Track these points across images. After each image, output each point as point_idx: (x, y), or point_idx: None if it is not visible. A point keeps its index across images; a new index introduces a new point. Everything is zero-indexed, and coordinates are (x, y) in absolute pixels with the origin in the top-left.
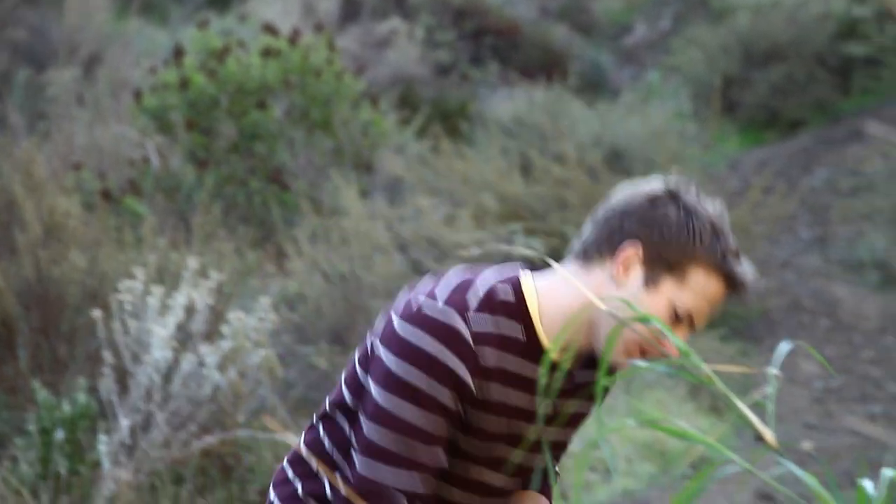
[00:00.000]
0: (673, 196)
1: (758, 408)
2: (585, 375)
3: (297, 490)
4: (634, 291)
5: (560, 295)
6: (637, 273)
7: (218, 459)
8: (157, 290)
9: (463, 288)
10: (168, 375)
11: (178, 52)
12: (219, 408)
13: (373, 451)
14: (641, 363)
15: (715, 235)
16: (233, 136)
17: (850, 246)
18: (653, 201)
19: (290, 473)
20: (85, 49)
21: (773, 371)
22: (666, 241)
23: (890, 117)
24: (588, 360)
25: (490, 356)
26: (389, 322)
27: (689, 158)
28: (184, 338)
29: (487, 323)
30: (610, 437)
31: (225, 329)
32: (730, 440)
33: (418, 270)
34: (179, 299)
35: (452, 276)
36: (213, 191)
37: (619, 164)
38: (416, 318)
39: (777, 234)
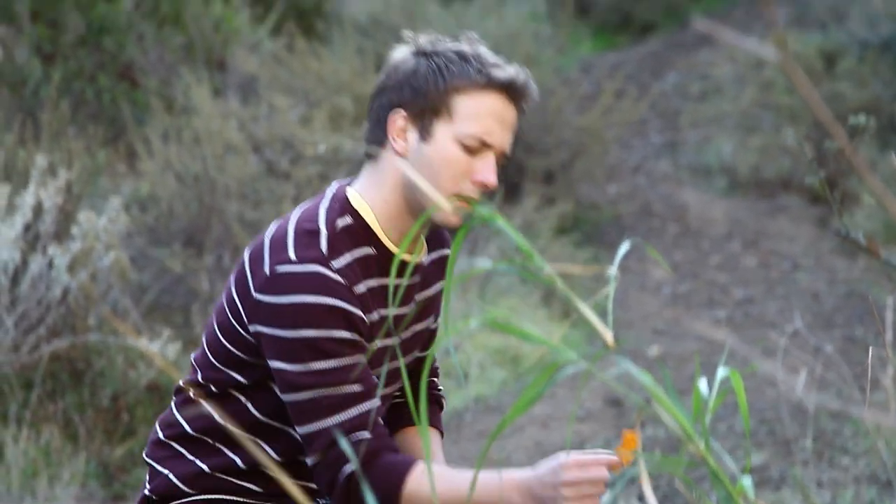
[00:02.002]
0: (413, 51)
1: (604, 311)
2: (431, 263)
3: (202, 469)
4: (418, 151)
5: (379, 195)
6: (412, 135)
7: (68, 364)
8: (4, 189)
9: (309, 237)
10: (16, 277)
11: None
12: (69, 311)
13: (309, 414)
14: (485, 264)
15: (463, 59)
16: (81, 30)
17: (699, 151)
18: (396, 66)
19: (180, 449)
20: None
21: (613, 271)
22: (420, 91)
23: (737, 21)
24: (431, 243)
25: (360, 285)
26: (252, 300)
27: (544, 61)
28: (32, 238)
29: (346, 259)
30: (464, 345)
31: (75, 230)
32: (582, 346)
33: (273, 172)
34: (27, 198)
35: (291, 228)
36: (60, 86)
37: None
38: (282, 284)
39: (628, 138)
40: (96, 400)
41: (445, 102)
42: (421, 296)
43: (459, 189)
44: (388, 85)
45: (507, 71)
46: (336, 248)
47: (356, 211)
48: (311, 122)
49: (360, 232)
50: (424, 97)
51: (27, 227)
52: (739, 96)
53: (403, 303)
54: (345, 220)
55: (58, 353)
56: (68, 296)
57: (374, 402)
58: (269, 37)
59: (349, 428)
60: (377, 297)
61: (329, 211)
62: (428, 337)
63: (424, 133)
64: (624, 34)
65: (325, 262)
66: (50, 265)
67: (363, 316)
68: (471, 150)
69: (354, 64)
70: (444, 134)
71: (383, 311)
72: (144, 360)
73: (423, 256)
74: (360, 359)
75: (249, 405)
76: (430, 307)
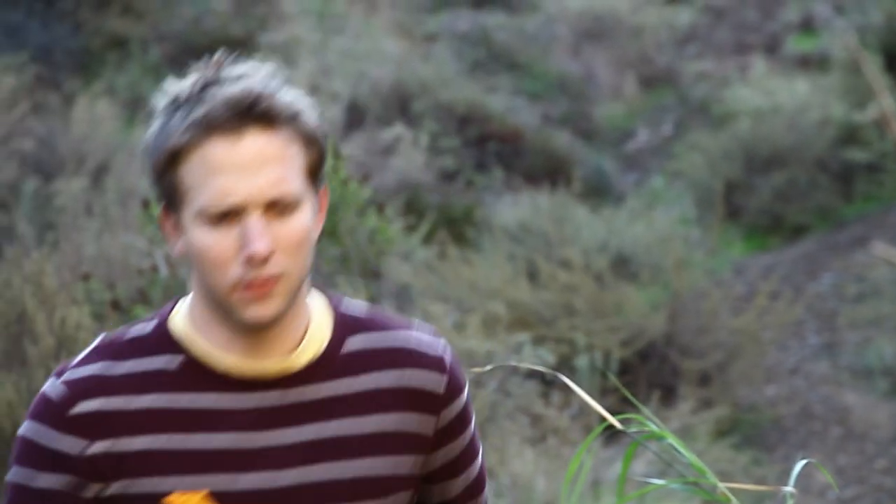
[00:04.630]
0: None
1: None
2: (298, 394)
3: None
4: (185, 249)
5: (192, 297)
6: (169, 227)
7: None
8: None
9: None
10: None
11: None
12: None
13: None
14: (658, 482)
15: (168, 116)
16: None
17: (859, 352)
18: None
19: None
20: (93, 159)
21: (789, 490)
22: (153, 180)
23: (893, 223)
24: (301, 375)
25: (104, 405)
26: None
27: (695, 263)
28: None
29: (91, 370)
30: None
31: None
32: None
33: None
34: None
35: None
36: None
37: (626, 269)
38: None
39: (785, 339)
40: None
41: (171, 182)
42: (316, 427)
43: (236, 279)
44: None
45: (210, 102)
46: (88, 359)
47: (165, 313)
48: (465, 329)
49: (157, 339)
50: (157, 184)
51: None
52: None
53: (269, 425)
54: (142, 328)
55: None
56: None
57: None
58: (422, 245)
59: None
60: (178, 420)
61: (122, 328)
62: (347, 491)
63: (178, 226)
64: (775, 236)
65: (60, 372)
66: None
67: (75, 449)
68: (224, 218)
69: (506, 270)
70: (189, 220)
71: (192, 437)
72: None
73: (297, 362)
74: None
75: None
76: (341, 447)
